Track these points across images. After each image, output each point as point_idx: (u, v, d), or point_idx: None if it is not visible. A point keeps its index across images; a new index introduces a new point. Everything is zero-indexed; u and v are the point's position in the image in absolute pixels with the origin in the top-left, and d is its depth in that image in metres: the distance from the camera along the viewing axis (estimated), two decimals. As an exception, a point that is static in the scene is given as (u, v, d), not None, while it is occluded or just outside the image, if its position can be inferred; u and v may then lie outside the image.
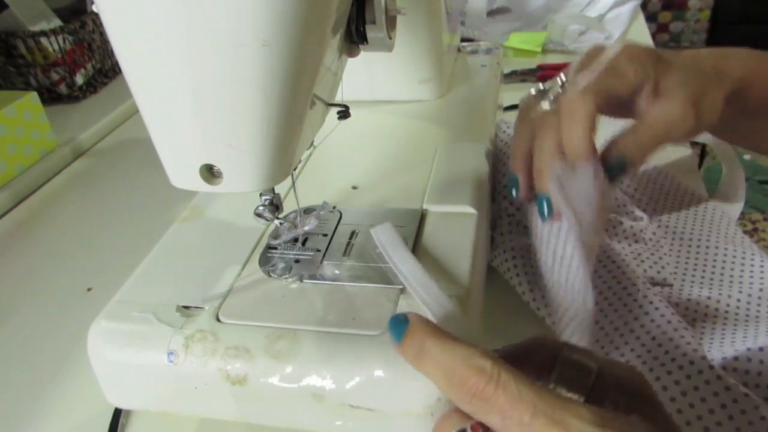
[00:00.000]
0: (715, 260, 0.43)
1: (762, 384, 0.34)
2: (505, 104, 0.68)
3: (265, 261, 0.36)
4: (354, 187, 0.42)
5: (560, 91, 0.37)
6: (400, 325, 0.26)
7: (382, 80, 0.53)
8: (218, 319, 0.33)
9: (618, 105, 0.35)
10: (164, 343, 0.32)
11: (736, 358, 0.35)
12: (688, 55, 0.37)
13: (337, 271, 0.34)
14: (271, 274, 0.35)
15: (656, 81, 0.35)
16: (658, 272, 0.42)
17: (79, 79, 0.81)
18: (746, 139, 0.43)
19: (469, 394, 0.23)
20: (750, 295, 0.39)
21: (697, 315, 0.39)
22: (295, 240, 0.37)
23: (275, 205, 0.34)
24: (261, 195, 0.34)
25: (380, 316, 0.31)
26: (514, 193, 0.38)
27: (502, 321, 0.41)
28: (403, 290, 0.32)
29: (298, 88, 0.27)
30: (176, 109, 0.26)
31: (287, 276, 0.35)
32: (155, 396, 0.33)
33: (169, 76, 0.26)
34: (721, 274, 0.42)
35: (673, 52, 0.37)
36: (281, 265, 0.36)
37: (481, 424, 0.23)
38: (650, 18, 2.30)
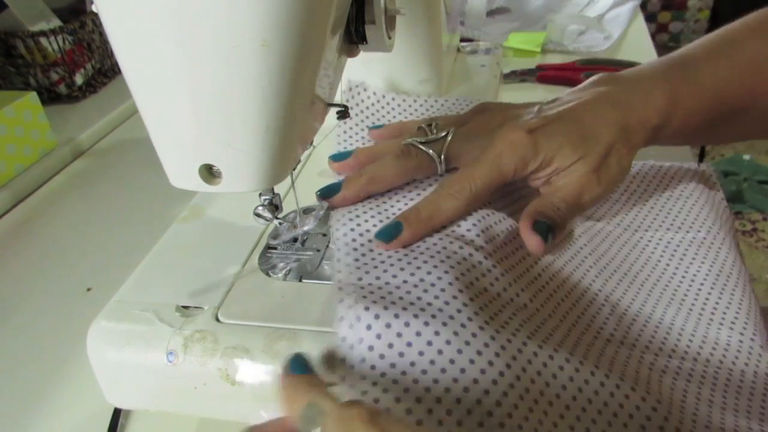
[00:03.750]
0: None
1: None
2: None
3: (264, 261, 0.36)
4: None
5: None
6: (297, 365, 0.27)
7: (381, 80, 0.53)
8: (218, 319, 0.33)
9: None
10: (164, 343, 0.32)
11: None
12: (587, 115, 0.37)
13: (336, 271, 0.34)
14: (271, 274, 0.35)
15: (548, 160, 0.35)
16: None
17: (79, 79, 0.81)
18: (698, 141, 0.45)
19: None
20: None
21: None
22: (295, 240, 0.37)
23: (275, 205, 0.35)
24: (260, 195, 0.34)
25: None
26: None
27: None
28: None
29: (298, 88, 0.27)
30: (175, 109, 0.27)
31: (287, 276, 0.35)
32: (155, 396, 0.33)
33: (168, 76, 0.26)
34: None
35: (567, 111, 0.37)
36: (281, 265, 0.36)
37: None
38: (649, 18, 2.31)
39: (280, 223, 0.35)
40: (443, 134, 0.38)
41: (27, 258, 0.54)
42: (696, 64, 0.38)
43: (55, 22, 0.80)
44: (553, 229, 0.34)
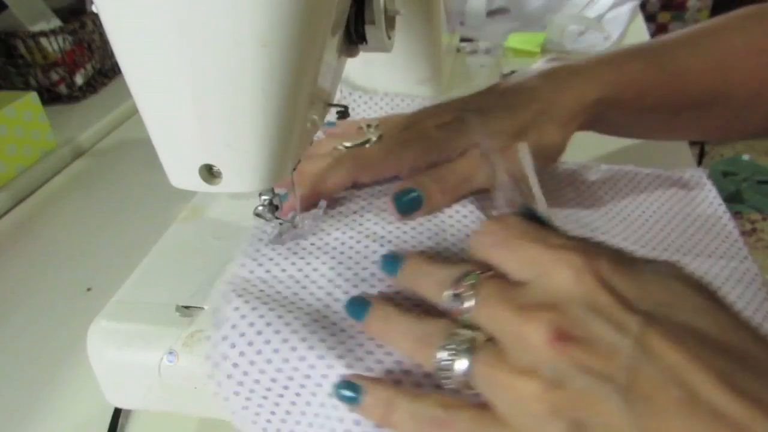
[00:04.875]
0: None
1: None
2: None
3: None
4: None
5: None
6: (359, 305, 0.28)
7: (381, 80, 0.53)
8: (218, 319, 0.33)
9: None
10: (164, 343, 0.32)
11: None
12: (513, 97, 0.37)
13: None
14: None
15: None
16: None
17: (79, 80, 0.81)
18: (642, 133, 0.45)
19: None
20: None
21: None
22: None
23: (275, 205, 0.35)
24: (260, 195, 0.34)
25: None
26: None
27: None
28: None
29: (298, 88, 0.27)
30: (175, 109, 0.27)
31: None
32: (155, 396, 0.33)
33: (168, 76, 0.26)
34: None
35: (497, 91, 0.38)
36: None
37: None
38: (649, 18, 2.31)
39: (280, 223, 0.35)
40: (366, 140, 0.39)
41: (27, 258, 0.54)
42: (663, 48, 0.38)
43: (55, 22, 0.80)
44: (419, 202, 0.34)
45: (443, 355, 0.24)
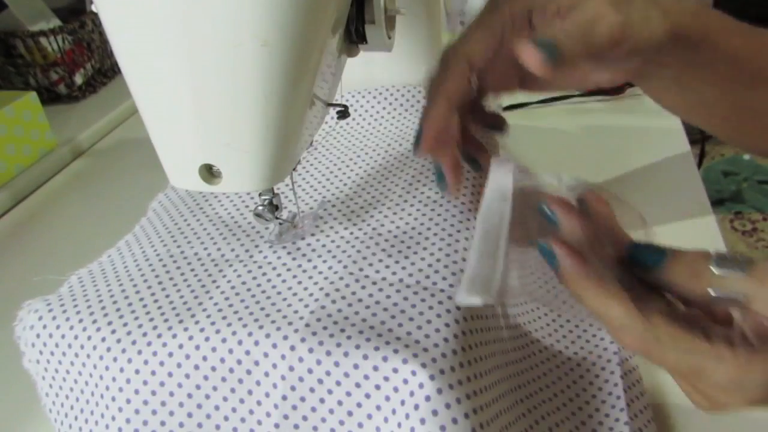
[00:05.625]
0: None
1: None
2: (505, 104, 0.68)
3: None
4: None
5: None
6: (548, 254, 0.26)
7: (381, 80, 0.53)
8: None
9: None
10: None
11: None
12: None
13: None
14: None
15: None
16: None
17: (79, 79, 0.81)
18: (691, 109, 0.38)
19: None
20: None
21: None
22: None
23: (275, 205, 0.35)
24: (260, 195, 0.34)
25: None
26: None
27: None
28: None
29: (298, 88, 0.27)
30: (176, 109, 0.27)
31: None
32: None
33: (168, 76, 0.26)
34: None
35: None
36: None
37: None
38: (649, 18, 2.30)
39: (280, 223, 0.35)
40: None
41: (27, 258, 0.54)
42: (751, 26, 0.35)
43: (55, 22, 0.80)
44: (559, 51, 0.29)
45: (720, 272, 0.24)
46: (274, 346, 0.28)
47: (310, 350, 0.28)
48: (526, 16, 0.32)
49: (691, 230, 0.48)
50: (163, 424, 0.30)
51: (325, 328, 0.29)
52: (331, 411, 0.28)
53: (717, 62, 0.34)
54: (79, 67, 0.81)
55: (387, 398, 0.27)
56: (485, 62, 0.32)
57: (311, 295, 0.31)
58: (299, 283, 0.32)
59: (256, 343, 0.29)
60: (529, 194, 0.36)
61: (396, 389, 0.27)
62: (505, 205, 0.31)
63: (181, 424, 0.30)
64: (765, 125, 0.38)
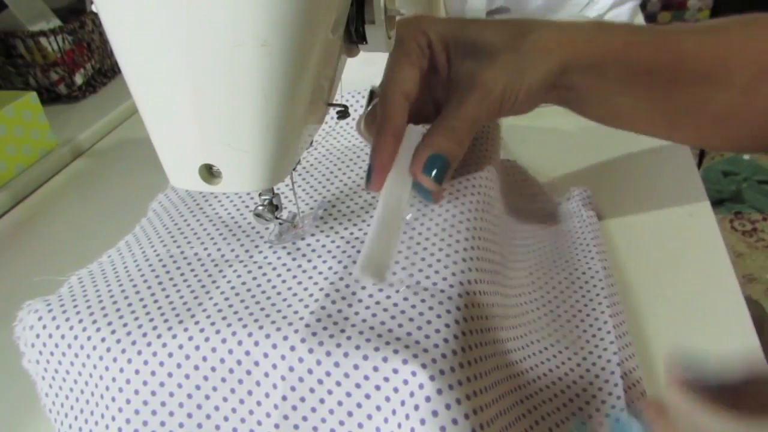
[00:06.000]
0: None
1: None
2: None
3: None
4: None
5: None
6: None
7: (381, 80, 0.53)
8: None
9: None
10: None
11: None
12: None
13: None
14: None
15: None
16: None
17: (79, 79, 0.81)
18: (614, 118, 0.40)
19: None
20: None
21: None
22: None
23: (275, 205, 0.35)
24: (260, 195, 0.34)
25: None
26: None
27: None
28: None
29: (298, 88, 0.27)
30: (175, 109, 0.27)
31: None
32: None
33: (168, 76, 0.26)
34: None
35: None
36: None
37: None
38: (649, 18, 2.30)
39: (280, 223, 0.35)
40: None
41: (27, 258, 0.54)
42: (659, 27, 0.37)
43: (55, 22, 0.80)
44: (449, 163, 0.32)
45: None
46: (274, 346, 0.28)
47: (310, 351, 0.28)
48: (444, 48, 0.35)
49: (691, 230, 0.48)
50: (162, 424, 0.30)
51: (325, 328, 0.29)
52: (331, 411, 0.28)
53: (629, 76, 0.36)
54: (79, 67, 0.81)
55: (387, 399, 0.27)
56: (416, 94, 0.34)
57: (311, 295, 0.31)
58: (299, 283, 0.32)
59: (256, 343, 0.29)
60: (509, 168, 0.37)
61: (396, 390, 0.27)
62: (405, 187, 0.32)
63: (180, 425, 0.30)
64: (695, 121, 0.39)
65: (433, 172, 0.32)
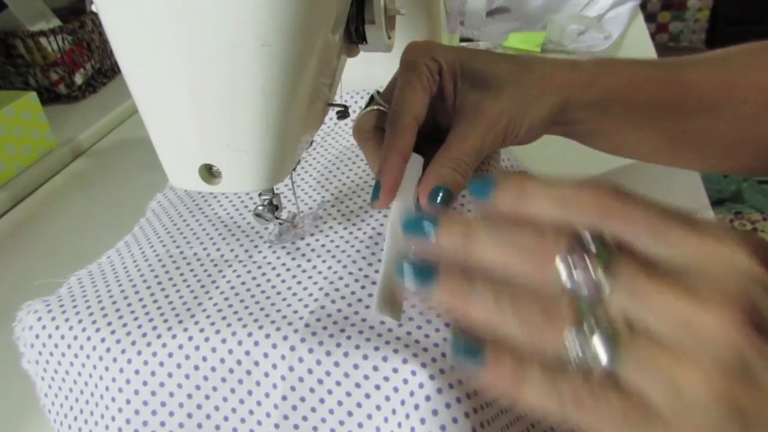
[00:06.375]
0: None
1: None
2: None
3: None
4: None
5: None
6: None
7: (381, 80, 0.53)
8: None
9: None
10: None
11: None
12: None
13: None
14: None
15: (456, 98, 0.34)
16: None
17: (79, 79, 0.81)
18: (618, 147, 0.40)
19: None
20: None
21: None
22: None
23: (275, 205, 0.35)
24: (260, 195, 0.34)
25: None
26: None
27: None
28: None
29: (298, 88, 0.27)
30: (175, 109, 0.27)
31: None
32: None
33: (168, 76, 0.26)
34: None
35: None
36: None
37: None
38: (649, 18, 2.30)
39: (280, 223, 0.35)
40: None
41: (27, 258, 0.54)
42: (662, 60, 0.37)
43: (55, 22, 0.80)
44: (452, 192, 0.32)
45: (575, 335, 0.19)
46: (274, 346, 0.28)
47: (310, 350, 0.28)
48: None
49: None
50: (162, 424, 0.30)
51: (324, 328, 0.29)
52: (331, 411, 0.28)
53: (632, 112, 0.36)
54: (79, 67, 0.81)
55: (387, 398, 0.27)
56: (425, 115, 0.34)
57: (311, 295, 0.31)
58: (299, 283, 0.32)
59: (256, 343, 0.29)
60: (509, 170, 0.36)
61: (396, 389, 0.27)
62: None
63: (180, 425, 0.30)
64: (702, 150, 0.39)
65: (438, 201, 0.32)
